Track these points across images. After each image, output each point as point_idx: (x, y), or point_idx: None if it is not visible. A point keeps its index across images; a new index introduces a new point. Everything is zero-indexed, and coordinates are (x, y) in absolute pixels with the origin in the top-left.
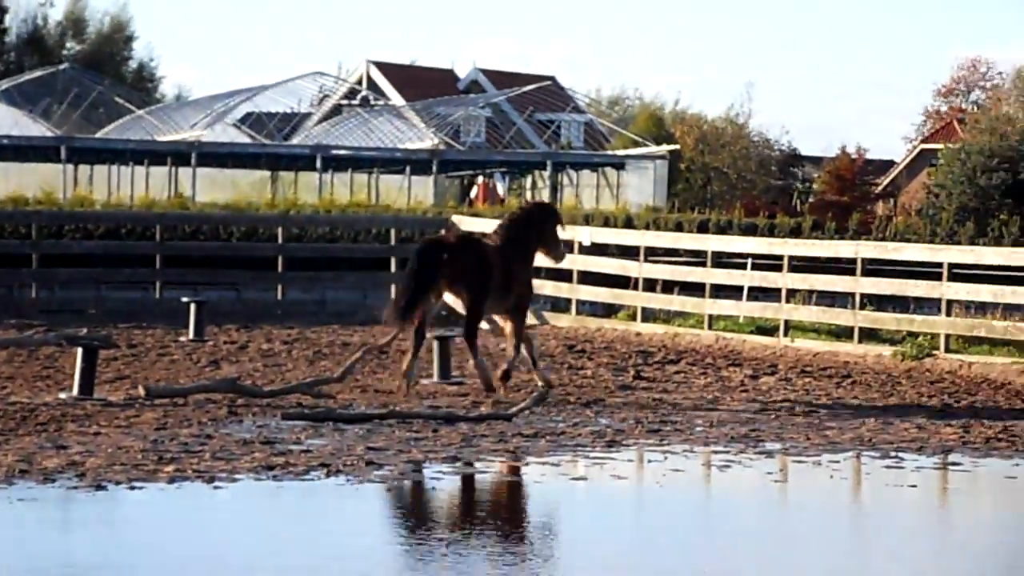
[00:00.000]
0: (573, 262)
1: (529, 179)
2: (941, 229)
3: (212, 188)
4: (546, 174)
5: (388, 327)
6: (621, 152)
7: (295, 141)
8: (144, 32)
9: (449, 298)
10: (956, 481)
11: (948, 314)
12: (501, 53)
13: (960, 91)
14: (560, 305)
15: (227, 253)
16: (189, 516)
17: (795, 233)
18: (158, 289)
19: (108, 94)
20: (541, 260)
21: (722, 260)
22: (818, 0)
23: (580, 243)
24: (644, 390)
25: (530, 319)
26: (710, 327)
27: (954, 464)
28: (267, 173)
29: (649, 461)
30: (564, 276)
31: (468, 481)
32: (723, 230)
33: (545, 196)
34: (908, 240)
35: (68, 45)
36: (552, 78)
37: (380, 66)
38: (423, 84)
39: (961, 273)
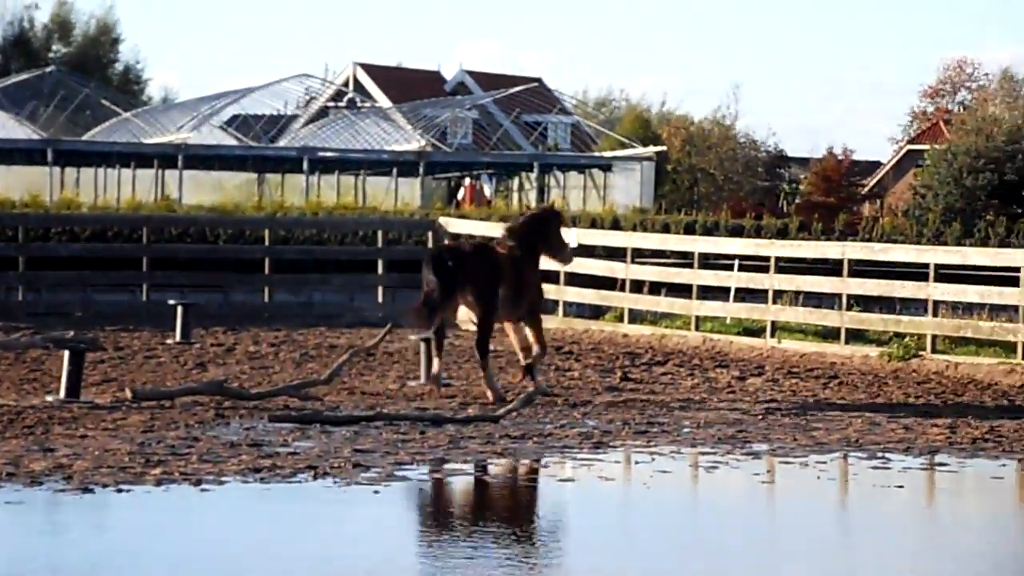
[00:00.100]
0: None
1: (516, 181)
2: (927, 230)
3: (199, 190)
4: (533, 176)
5: (416, 327)
6: (608, 154)
7: (282, 143)
8: (130, 35)
9: (461, 309)
10: (943, 482)
11: (935, 315)
12: (488, 55)
13: (946, 92)
14: (547, 307)
15: (214, 255)
16: (176, 519)
17: (782, 234)
18: (145, 292)
19: (94, 97)
20: (548, 263)
21: (709, 261)
22: (804, 2)
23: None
24: (631, 391)
25: None
26: (697, 328)
27: (941, 465)
28: (254, 175)
29: (636, 462)
30: (551, 278)
31: (455, 483)
32: (710, 231)
33: (532, 198)
34: (895, 241)
35: (54, 48)
36: (539, 80)
37: (367, 68)
38: (410, 86)
39: (947, 274)
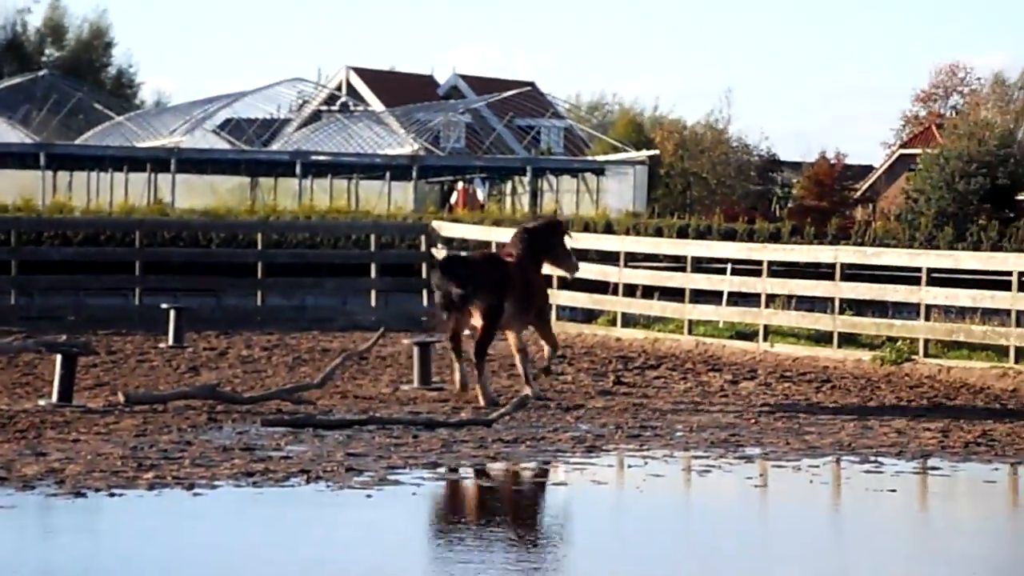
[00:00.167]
0: (553, 268)
1: (509, 185)
2: (920, 234)
3: (191, 194)
4: (526, 180)
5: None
6: (601, 158)
7: (275, 147)
8: (123, 38)
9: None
10: (935, 485)
11: (927, 318)
12: (481, 59)
13: (939, 96)
14: None
15: (207, 259)
16: (169, 523)
17: (774, 238)
18: (138, 295)
19: (87, 100)
20: (554, 270)
21: (702, 265)
22: (797, 6)
23: None
24: (624, 395)
25: None
26: (690, 332)
27: (933, 468)
28: (247, 179)
29: (629, 466)
30: None
31: (448, 488)
32: (703, 235)
33: (525, 202)
34: (887, 245)
35: (47, 52)
36: (532, 84)
37: (360, 72)
38: (403, 90)
39: (940, 278)
